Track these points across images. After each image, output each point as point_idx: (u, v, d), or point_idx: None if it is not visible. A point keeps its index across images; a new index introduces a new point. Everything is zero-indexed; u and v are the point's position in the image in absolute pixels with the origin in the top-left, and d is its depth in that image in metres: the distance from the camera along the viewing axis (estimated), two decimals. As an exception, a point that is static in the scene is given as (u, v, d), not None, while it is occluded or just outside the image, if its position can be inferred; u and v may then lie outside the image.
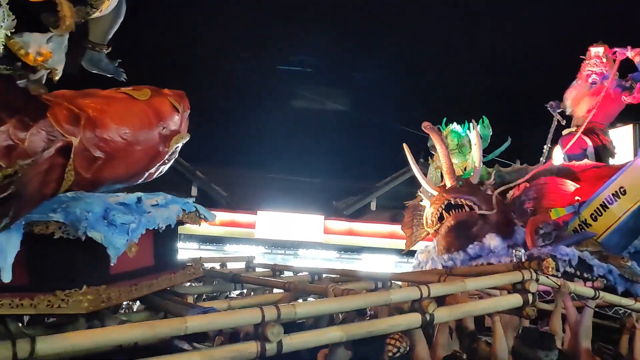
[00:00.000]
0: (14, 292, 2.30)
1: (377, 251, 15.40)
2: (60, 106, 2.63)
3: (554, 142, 8.30)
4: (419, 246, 7.68)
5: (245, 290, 4.60)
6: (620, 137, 11.35)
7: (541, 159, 8.24)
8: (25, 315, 2.72)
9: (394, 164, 17.83)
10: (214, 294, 4.51)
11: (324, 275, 4.09)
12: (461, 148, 7.64)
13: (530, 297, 2.88)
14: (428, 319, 2.49)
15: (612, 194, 5.55)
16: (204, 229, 15.33)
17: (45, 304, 2.31)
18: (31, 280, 2.43)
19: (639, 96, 7.42)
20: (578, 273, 5.34)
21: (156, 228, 2.90)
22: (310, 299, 3.83)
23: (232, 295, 4.46)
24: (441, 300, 2.75)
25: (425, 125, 6.27)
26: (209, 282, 4.16)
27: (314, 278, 3.99)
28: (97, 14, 2.72)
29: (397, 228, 15.91)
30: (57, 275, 2.44)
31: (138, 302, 3.94)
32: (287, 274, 4.70)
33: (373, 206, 18.21)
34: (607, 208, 5.62)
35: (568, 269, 5.28)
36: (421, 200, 7.03)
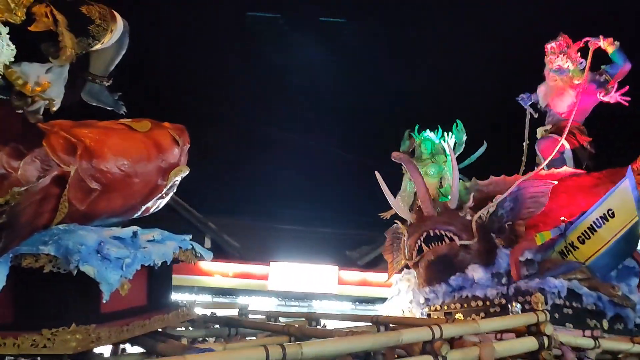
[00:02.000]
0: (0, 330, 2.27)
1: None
2: (57, 135, 2.64)
3: (532, 139, 8.47)
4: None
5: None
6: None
7: (523, 158, 8.44)
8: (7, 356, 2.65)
9: None
10: (207, 339, 4.43)
11: (322, 321, 4.04)
12: (435, 156, 7.74)
13: (545, 340, 2.93)
14: None
15: (600, 217, 5.81)
16: (217, 281, 15.56)
17: (29, 343, 2.24)
18: (16, 318, 2.39)
19: (616, 96, 7.55)
20: (567, 304, 5.47)
21: (151, 264, 2.88)
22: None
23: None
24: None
25: (395, 156, 6.27)
26: (202, 327, 4.09)
27: (312, 323, 3.96)
28: (98, 46, 2.72)
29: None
30: (44, 312, 2.39)
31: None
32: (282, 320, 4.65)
33: None
34: (595, 231, 5.85)
35: (557, 301, 5.41)
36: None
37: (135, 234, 2.81)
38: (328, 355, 2.44)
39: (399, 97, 24.92)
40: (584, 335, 3.47)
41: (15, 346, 2.21)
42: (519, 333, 3.10)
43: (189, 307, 3.63)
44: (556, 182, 6.50)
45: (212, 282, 15.28)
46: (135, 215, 3.23)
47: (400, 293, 7.17)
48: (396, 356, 2.73)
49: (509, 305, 4.16)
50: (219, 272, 15.39)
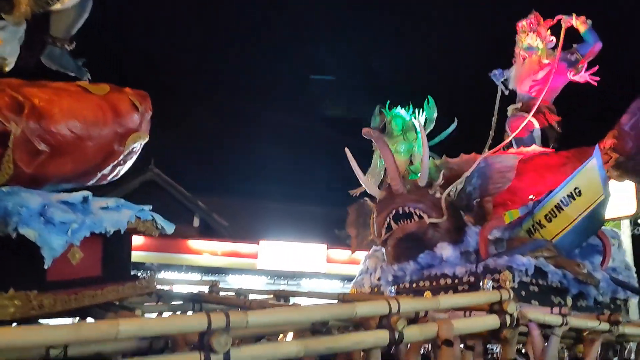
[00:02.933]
0: None
1: None
2: (3, 92, 2.46)
3: (501, 114, 8.58)
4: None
5: None
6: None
7: (490, 132, 8.53)
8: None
9: None
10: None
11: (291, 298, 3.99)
12: (406, 134, 7.77)
13: (508, 318, 2.84)
14: (397, 337, 2.32)
15: (567, 195, 5.88)
16: (206, 259, 15.37)
17: None
18: None
19: (586, 76, 7.67)
20: (533, 281, 5.56)
21: (103, 232, 2.76)
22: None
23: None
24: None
25: (366, 132, 6.20)
26: (166, 302, 3.99)
27: (280, 300, 3.89)
28: (58, 6, 2.58)
29: None
30: None
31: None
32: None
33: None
34: (562, 210, 5.92)
35: (524, 279, 5.48)
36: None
37: (85, 199, 2.67)
38: (275, 324, 2.34)
39: (370, 74, 24.99)
40: (552, 313, 3.49)
41: (-52, 310, 2.07)
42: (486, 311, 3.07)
43: (148, 279, 3.51)
44: (522, 156, 6.58)
45: (201, 261, 15.25)
46: (92, 182, 3.09)
47: (368, 270, 7.20)
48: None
49: (481, 283, 4.16)
50: (208, 250, 15.38)
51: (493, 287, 4.93)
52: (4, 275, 2.29)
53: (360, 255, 16.08)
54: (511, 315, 2.82)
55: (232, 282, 14.73)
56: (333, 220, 18.84)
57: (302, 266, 15.42)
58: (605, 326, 3.78)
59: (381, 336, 2.31)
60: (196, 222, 17.56)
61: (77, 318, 3.20)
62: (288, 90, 25.18)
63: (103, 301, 2.89)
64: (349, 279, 14.96)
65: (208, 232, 17.65)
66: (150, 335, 2.03)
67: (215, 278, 14.44)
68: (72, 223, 2.40)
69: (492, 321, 2.81)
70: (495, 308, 2.85)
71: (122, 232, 2.93)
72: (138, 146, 3.19)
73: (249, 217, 18.14)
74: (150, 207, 3.29)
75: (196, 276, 14.81)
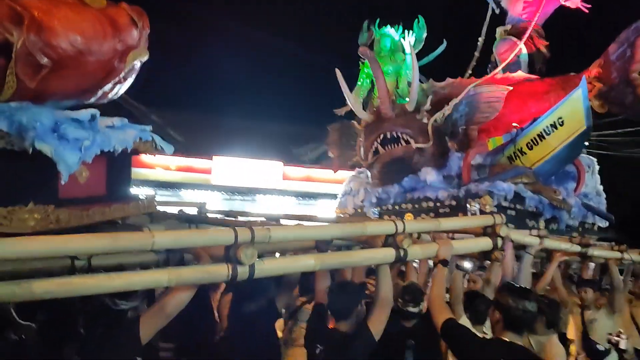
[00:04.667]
0: None
1: (335, 197, 16.02)
2: (0, 2, 2.38)
3: (489, 37, 8.58)
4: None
5: None
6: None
7: (475, 53, 8.67)
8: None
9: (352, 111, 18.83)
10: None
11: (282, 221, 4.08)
12: (394, 54, 7.67)
13: (499, 241, 3.02)
14: (402, 254, 2.49)
15: (550, 125, 6.10)
16: (159, 174, 15.10)
17: None
18: None
19: (577, 2, 7.70)
20: (511, 206, 5.89)
21: (111, 150, 2.79)
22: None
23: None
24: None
25: (362, 51, 6.31)
26: (161, 222, 4.07)
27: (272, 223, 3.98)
28: None
29: None
30: None
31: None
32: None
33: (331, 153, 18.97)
34: (544, 138, 6.16)
35: (503, 203, 5.79)
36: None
37: (93, 117, 2.66)
38: (294, 239, 2.45)
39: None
40: (531, 234, 3.74)
41: (-33, 223, 2.09)
42: (475, 234, 3.29)
43: (149, 199, 3.59)
44: (511, 88, 6.67)
45: (154, 175, 14.97)
46: (92, 99, 3.07)
47: (352, 192, 7.44)
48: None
49: (468, 205, 4.38)
50: (161, 165, 15.20)
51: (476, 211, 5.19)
52: (20, 189, 2.33)
53: (317, 173, 16.83)
54: (503, 238, 3.02)
55: (186, 197, 14.73)
56: (290, 137, 18.50)
57: (257, 183, 15.32)
58: (576, 248, 4.06)
59: (388, 253, 2.47)
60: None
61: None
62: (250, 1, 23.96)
63: (111, 218, 2.96)
64: (304, 196, 15.84)
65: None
66: (183, 246, 2.14)
67: (169, 193, 14.48)
68: (84, 140, 2.40)
69: (485, 243, 2.99)
70: (488, 231, 3.03)
71: (128, 151, 2.98)
72: (138, 64, 3.16)
73: (204, 132, 17.46)
74: (151, 127, 3.31)
75: (149, 191, 14.69)
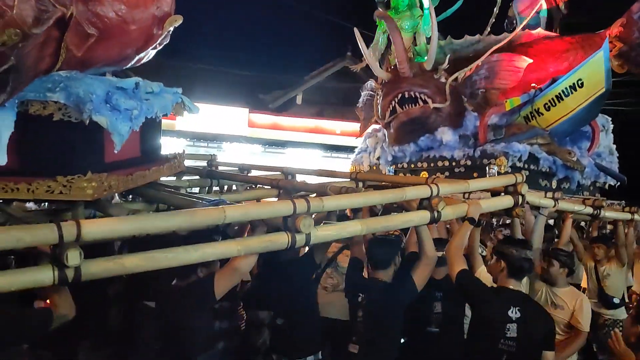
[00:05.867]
0: (7, 176, 2.28)
1: (302, 145, 16.27)
2: (49, -25, 2.47)
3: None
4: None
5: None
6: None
7: (495, 9, 8.45)
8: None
9: (321, 57, 18.55)
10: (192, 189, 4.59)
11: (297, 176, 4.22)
12: (412, 9, 7.74)
13: (520, 198, 3.27)
14: (436, 216, 2.74)
15: (570, 86, 6.19)
16: None
17: (44, 189, 2.29)
18: (26, 164, 2.39)
19: None
20: (525, 166, 6.08)
21: (154, 117, 2.90)
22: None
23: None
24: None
25: (378, 14, 6.28)
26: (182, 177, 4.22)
27: (287, 177, 4.13)
28: None
29: (322, 123, 17.30)
30: (55, 160, 2.41)
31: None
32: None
33: (299, 100, 18.79)
34: (562, 100, 6.28)
35: (517, 164, 5.96)
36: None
37: (137, 85, 2.80)
38: (344, 207, 2.79)
39: None
40: (546, 196, 3.92)
41: (30, 192, 2.26)
42: (494, 192, 3.51)
43: (179, 158, 3.74)
44: (531, 61, 6.70)
45: None
46: (129, 65, 3.20)
47: (367, 149, 7.61)
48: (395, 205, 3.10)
49: (487, 168, 4.56)
50: None
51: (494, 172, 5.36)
52: (75, 158, 2.44)
53: (284, 120, 16.63)
54: (523, 196, 3.27)
55: (212, 154, 14.75)
56: (256, 84, 18.36)
57: (222, 129, 15.25)
58: (589, 210, 4.28)
59: (424, 215, 2.73)
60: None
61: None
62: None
63: (150, 180, 3.10)
64: (270, 143, 15.86)
65: (123, 91, 16.98)
66: (251, 219, 2.38)
67: None
68: (133, 110, 2.54)
69: (507, 201, 3.25)
70: (510, 190, 3.28)
71: (168, 115, 3.12)
72: (172, 30, 3.26)
73: (168, 77, 17.15)
74: (181, 89, 3.44)
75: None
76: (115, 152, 2.48)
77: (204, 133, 14.93)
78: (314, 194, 3.30)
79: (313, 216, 2.40)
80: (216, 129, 15.12)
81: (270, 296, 3.13)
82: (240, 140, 15.47)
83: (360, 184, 3.99)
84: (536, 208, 3.74)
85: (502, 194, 3.36)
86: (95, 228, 1.78)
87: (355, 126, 16.61)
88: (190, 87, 16.63)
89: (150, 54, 3.36)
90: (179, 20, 3.23)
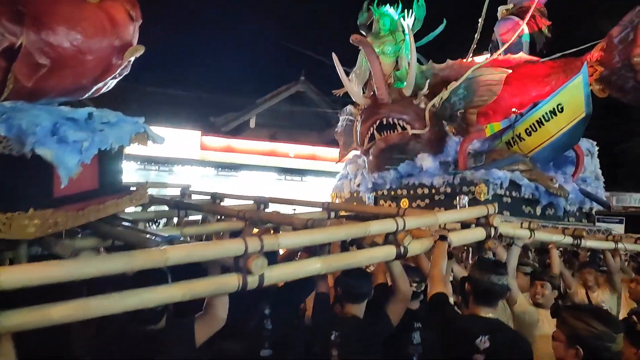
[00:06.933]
0: None
1: (256, 169, 16.49)
2: (1, 1, 2.45)
3: (490, 16, 8.55)
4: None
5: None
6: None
7: (476, 35, 8.62)
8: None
9: (274, 81, 19.14)
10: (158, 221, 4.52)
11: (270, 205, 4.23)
12: (394, 34, 7.79)
13: (492, 230, 3.23)
14: (402, 251, 2.68)
15: (550, 111, 6.23)
16: None
17: None
18: None
19: None
20: (507, 193, 6.07)
21: (108, 149, 2.84)
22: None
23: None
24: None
25: (354, 39, 6.05)
26: (149, 207, 4.17)
27: (260, 206, 4.12)
28: None
29: (276, 146, 17.58)
30: None
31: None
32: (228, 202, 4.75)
33: (252, 123, 19.35)
34: (543, 125, 6.32)
35: (498, 191, 5.96)
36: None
37: (90, 115, 2.71)
38: (302, 245, 2.66)
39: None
40: (522, 226, 3.88)
41: (-35, 230, 2.14)
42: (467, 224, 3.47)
43: (141, 189, 3.67)
44: (510, 71, 6.73)
45: None
46: (86, 95, 3.17)
47: (348, 176, 7.61)
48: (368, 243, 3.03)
49: (457, 197, 4.55)
50: None
51: (469, 200, 5.36)
52: (18, 194, 2.35)
53: (237, 143, 16.52)
54: (496, 228, 3.21)
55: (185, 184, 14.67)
56: (208, 107, 19.03)
57: (174, 152, 15.31)
58: (569, 240, 4.23)
59: (389, 251, 2.65)
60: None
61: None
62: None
63: (105, 215, 2.98)
64: (223, 166, 15.96)
65: (68, 114, 16.99)
66: (196, 260, 2.15)
67: None
68: (83, 141, 2.44)
69: (479, 233, 3.19)
70: (482, 221, 3.22)
71: (125, 147, 3.07)
72: (133, 58, 3.24)
73: (119, 100, 17.27)
74: (143, 119, 3.39)
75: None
76: (62, 186, 2.36)
77: (154, 156, 14.92)
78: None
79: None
80: (168, 152, 15.15)
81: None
82: (192, 164, 15.62)
83: (333, 214, 3.97)
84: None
85: (474, 225, 3.36)
86: (12, 277, 1.63)
87: (308, 149, 17.55)
88: (141, 110, 16.86)
89: (109, 84, 3.34)
90: (140, 50, 3.21)
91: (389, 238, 2.74)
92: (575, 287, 4.73)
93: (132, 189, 3.62)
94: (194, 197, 5.26)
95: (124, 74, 3.29)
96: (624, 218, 11.41)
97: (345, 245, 3.23)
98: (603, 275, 4.89)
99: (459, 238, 3.14)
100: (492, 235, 3.25)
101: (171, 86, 19.18)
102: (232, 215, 3.83)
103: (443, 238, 2.90)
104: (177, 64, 20.94)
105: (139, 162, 15.15)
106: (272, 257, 2.39)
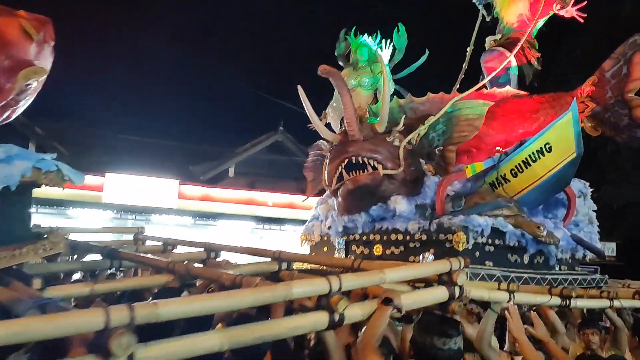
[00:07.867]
0: None
1: (234, 217, 16.59)
2: None
3: (478, 44, 8.35)
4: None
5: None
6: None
7: (464, 65, 8.38)
8: None
9: (253, 130, 20.08)
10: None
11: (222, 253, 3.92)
12: (372, 65, 7.46)
13: (457, 290, 2.76)
14: (337, 319, 2.23)
15: (537, 151, 5.79)
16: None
17: None
18: None
19: (572, 11, 7.45)
20: (489, 242, 5.64)
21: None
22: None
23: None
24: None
25: (323, 70, 5.55)
26: (81, 258, 3.82)
27: (210, 255, 3.77)
28: None
29: (255, 195, 17.66)
30: None
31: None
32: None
33: (231, 172, 19.90)
34: (530, 165, 5.87)
35: (480, 239, 5.52)
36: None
37: None
38: (194, 313, 2.03)
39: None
40: (499, 289, 3.45)
41: None
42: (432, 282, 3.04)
43: (57, 236, 3.30)
44: (492, 103, 6.32)
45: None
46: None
47: (319, 217, 7.13)
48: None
49: (421, 256, 4.12)
50: None
51: (444, 249, 4.98)
52: None
53: (215, 192, 16.39)
54: (460, 287, 2.77)
55: (74, 215, 14.68)
56: (187, 155, 19.49)
57: (151, 201, 15.54)
58: (556, 300, 3.80)
59: (320, 319, 2.22)
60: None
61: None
62: (145, 11, 24.10)
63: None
64: (201, 215, 16.14)
65: (44, 161, 17.14)
66: (54, 337, 1.69)
67: (54, 211, 14.34)
68: None
69: (440, 294, 2.74)
70: (444, 279, 2.80)
71: (12, 188, 2.70)
72: (35, 84, 2.88)
73: (96, 147, 17.76)
74: (55, 155, 3.05)
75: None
76: None
77: (132, 205, 15.05)
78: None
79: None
80: (145, 201, 15.35)
81: None
82: (170, 213, 15.70)
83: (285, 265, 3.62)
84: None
85: (435, 284, 2.92)
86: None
87: (287, 198, 17.49)
88: (119, 158, 17.18)
89: (7, 112, 2.96)
90: (40, 73, 2.83)
91: (321, 302, 2.27)
92: (574, 349, 4.21)
93: (43, 236, 3.26)
94: (148, 242, 5.13)
95: (24, 101, 2.91)
96: (598, 267, 11.04)
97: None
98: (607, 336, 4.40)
99: (414, 300, 2.65)
100: (456, 296, 2.79)
101: (150, 135, 19.67)
102: (162, 268, 3.43)
103: (387, 301, 2.41)
104: (156, 113, 21.40)
105: (115, 211, 15.13)
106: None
